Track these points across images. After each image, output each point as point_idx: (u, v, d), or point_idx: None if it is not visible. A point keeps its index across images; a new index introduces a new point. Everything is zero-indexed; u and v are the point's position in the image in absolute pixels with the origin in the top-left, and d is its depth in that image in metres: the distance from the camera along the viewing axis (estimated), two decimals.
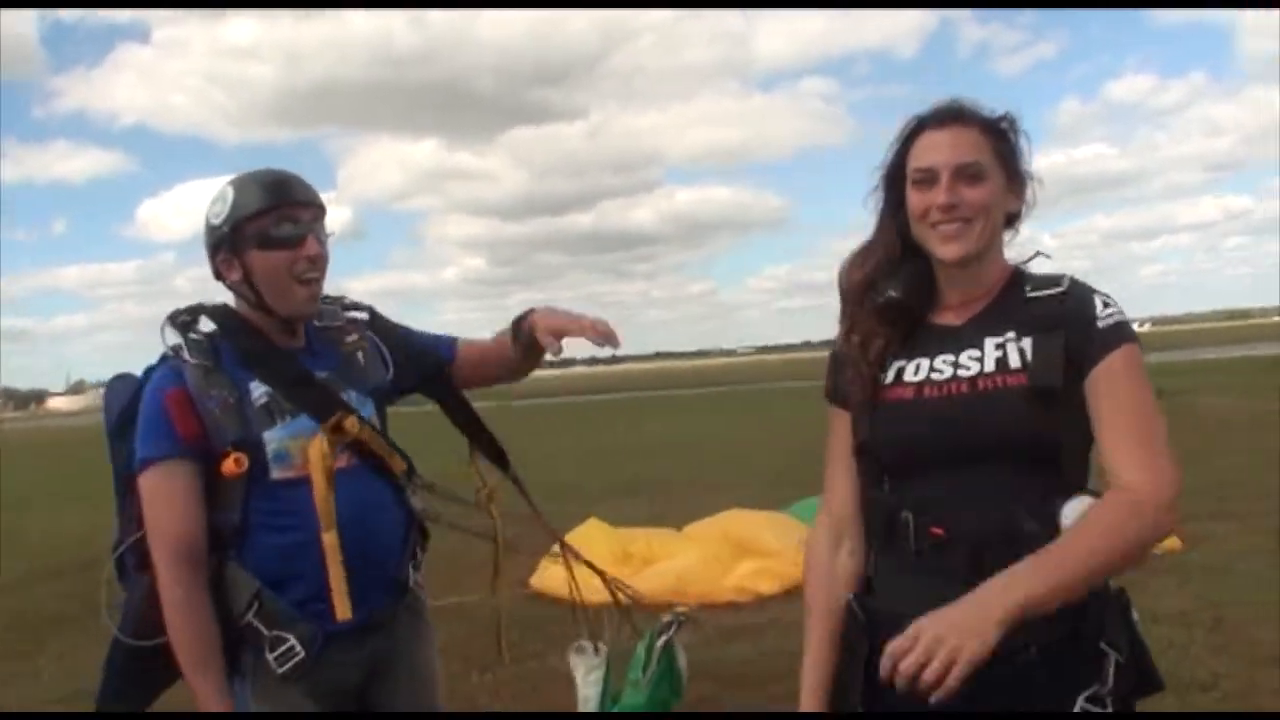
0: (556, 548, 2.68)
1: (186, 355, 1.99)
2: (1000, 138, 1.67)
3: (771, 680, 4.71)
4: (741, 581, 6.11)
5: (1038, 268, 1.74)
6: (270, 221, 2.01)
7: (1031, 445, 1.58)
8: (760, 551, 6.35)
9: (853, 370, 1.71)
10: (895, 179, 1.72)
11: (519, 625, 5.08)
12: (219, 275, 2.10)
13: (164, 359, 2.03)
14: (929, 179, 1.64)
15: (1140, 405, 1.58)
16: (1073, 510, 1.53)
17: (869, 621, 1.69)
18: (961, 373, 1.64)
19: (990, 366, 1.62)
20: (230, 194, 2.04)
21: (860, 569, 1.77)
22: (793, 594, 6.15)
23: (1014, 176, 1.68)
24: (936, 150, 1.64)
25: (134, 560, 2.05)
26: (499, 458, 2.36)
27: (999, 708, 1.58)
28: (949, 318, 1.71)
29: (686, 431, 21.86)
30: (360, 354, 2.18)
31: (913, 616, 1.62)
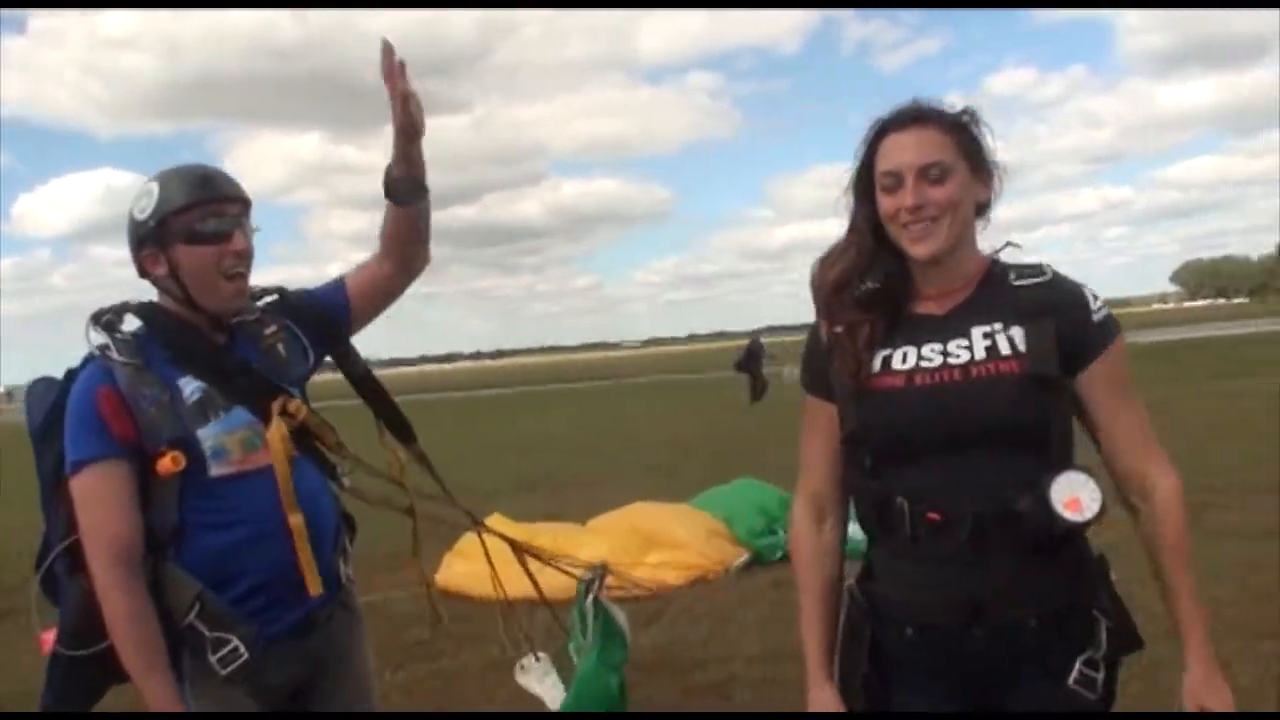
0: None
1: (115, 354, 1.93)
2: (962, 132, 1.72)
3: (687, 669, 4.79)
4: (650, 573, 6.16)
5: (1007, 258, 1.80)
6: (196, 216, 1.98)
7: (1024, 430, 1.65)
8: (668, 544, 6.42)
9: (841, 357, 1.74)
10: (864, 181, 1.76)
11: (427, 624, 5.02)
12: (143, 271, 2.04)
13: (90, 359, 1.97)
14: (895, 182, 1.69)
15: (1137, 400, 1.74)
16: (1061, 487, 1.61)
17: (870, 606, 1.76)
18: (952, 360, 1.68)
19: (981, 354, 1.67)
20: (155, 189, 2.00)
21: (841, 541, 1.85)
22: (698, 584, 6.27)
23: (980, 167, 1.74)
24: (901, 152, 1.69)
25: (65, 566, 1.97)
26: (404, 432, 2.32)
27: (1004, 676, 1.68)
28: (930, 308, 1.75)
29: (577, 426, 21.87)
30: (280, 346, 2.13)
31: (911, 602, 1.69)
